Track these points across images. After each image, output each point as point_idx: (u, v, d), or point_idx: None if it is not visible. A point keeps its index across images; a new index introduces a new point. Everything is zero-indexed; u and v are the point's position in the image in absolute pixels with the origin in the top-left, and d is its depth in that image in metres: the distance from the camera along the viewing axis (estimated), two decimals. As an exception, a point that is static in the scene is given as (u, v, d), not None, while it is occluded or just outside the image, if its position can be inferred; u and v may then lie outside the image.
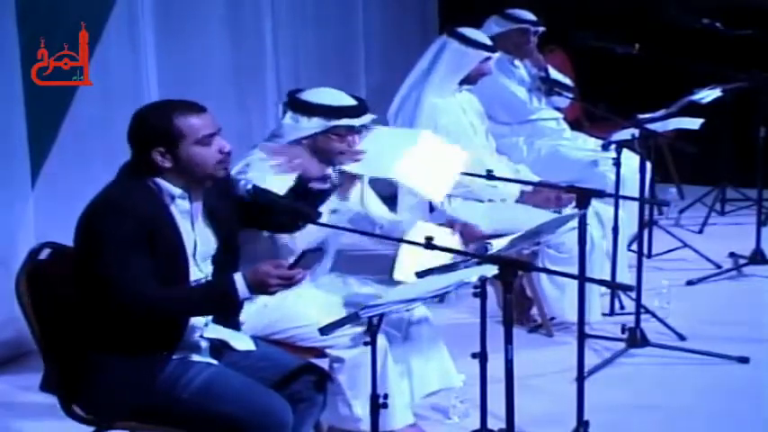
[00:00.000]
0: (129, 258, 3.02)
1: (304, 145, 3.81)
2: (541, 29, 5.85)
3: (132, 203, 3.07)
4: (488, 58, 5.19)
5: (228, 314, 3.30)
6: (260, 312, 3.69)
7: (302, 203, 3.43)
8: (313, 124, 3.78)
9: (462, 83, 5.22)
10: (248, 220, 3.43)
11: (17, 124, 4.75)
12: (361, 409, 3.70)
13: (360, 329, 3.36)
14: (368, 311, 3.01)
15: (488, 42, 5.20)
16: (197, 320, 3.24)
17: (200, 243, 3.22)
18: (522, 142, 5.83)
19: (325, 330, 3.04)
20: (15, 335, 4.45)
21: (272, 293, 3.08)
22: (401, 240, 3.61)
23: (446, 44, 5.19)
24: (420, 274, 3.24)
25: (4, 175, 4.73)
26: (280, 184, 3.49)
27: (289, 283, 3.05)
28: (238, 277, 3.03)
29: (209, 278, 3.24)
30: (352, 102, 3.83)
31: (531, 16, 5.82)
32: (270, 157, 3.69)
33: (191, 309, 3.14)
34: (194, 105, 3.18)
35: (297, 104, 3.81)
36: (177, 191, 3.16)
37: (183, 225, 3.18)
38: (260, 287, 3.03)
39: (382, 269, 4.18)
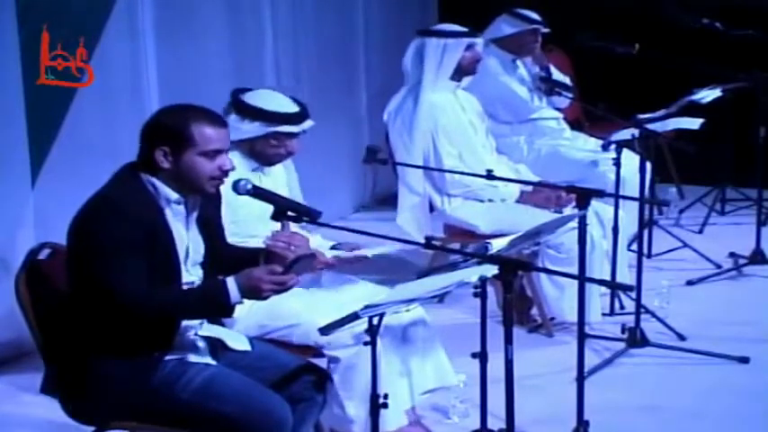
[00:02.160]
0: (125, 261, 3.01)
1: (241, 147, 3.83)
2: (547, 29, 5.87)
3: (128, 206, 3.07)
4: (472, 45, 5.19)
5: (221, 317, 3.29)
6: (251, 312, 3.70)
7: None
8: (254, 128, 3.81)
9: (460, 76, 5.21)
10: None
11: (17, 124, 4.75)
12: (354, 409, 3.70)
13: (360, 329, 3.36)
14: (368, 311, 3.00)
15: (464, 30, 5.20)
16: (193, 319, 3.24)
17: (192, 249, 3.22)
18: (523, 142, 5.84)
19: (324, 330, 3.04)
20: (15, 335, 4.44)
21: (264, 299, 3.07)
22: (402, 240, 3.61)
23: (424, 44, 5.20)
24: (420, 274, 3.24)
25: (4, 174, 4.73)
26: None
27: (281, 288, 3.04)
28: (231, 281, 3.02)
29: (201, 281, 3.25)
30: (294, 108, 3.86)
31: (537, 16, 5.83)
32: None
33: (184, 312, 3.14)
34: (216, 118, 3.17)
35: (241, 107, 3.82)
36: (174, 195, 3.15)
37: (177, 230, 3.17)
38: (252, 292, 3.03)
39: (382, 269, 4.19)
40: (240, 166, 3.80)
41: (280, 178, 4.03)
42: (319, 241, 4.06)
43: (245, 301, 3.07)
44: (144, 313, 3.05)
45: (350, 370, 3.69)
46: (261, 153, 3.86)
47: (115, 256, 3.01)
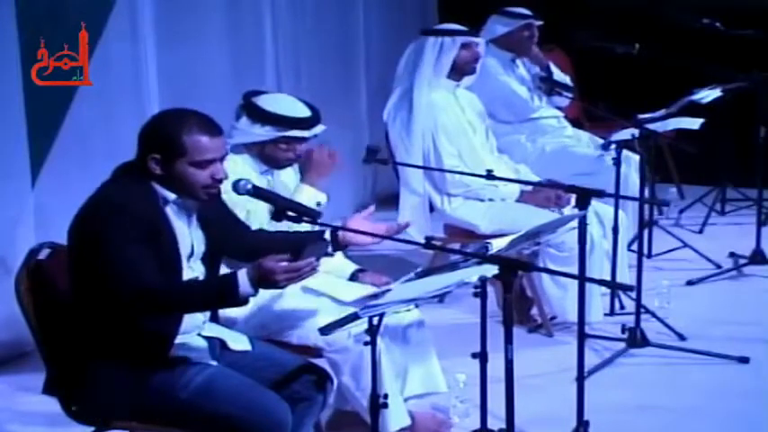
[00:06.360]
0: (131, 254, 3.00)
1: (251, 150, 3.84)
2: (540, 22, 5.86)
3: (130, 204, 3.07)
4: (468, 44, 5.17)
5: (233, 307, 3.25)
6: (254, 313, 3.70)
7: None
8: (264, 132, 3.81)
9: (459, 75, 5.20)
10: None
11: (17, 124, 4.75)
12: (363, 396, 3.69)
13: (360, 329, 3.36)
14: (368, 311, 3.00)
15: (462, 29, 5.20)
16: (195, 320, 3.24)
17: (196, 245, 3.23)
18: (524, 140, 5.83)
19: (324, 330, 3.04)
20: (15, 335, 4.45)
21: (282, 287, 3.02)
22: (402, 240, 3.61)
23: (423, 43, 5.19)
24: (420, 274, 3.24)
25: (4, 174, 4.74)
26: None
27: (296, 275, 2.99)
28: (242, 274, 2.98)
29: (203, 275, 3.25)
30: (306, 113, 3.86)
31: (527, 11, 5.83)
32: None
33: (194, 303, 3.11)
34: (212, 126, 3.14)
35: (253, 110, 3.82)
36: (172, 196, 3.16)
37: (180, 227, 3.18)
38: (267, 282, 2.97)
39: (382, 269, 4.19)
40: (250, 169, 3.81)
41: (290, 182, 4.03)
42: (341, 261, 4.06)
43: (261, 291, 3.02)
44: (152, 306, 3.03)
45: (357, 364, 3.70)
46: (271, 156, 3.86)
47: (120, 250, 2.99)
